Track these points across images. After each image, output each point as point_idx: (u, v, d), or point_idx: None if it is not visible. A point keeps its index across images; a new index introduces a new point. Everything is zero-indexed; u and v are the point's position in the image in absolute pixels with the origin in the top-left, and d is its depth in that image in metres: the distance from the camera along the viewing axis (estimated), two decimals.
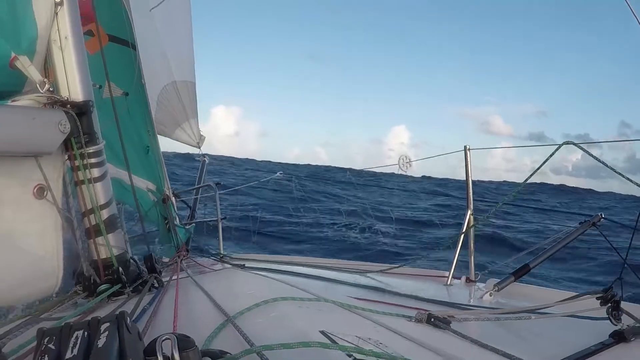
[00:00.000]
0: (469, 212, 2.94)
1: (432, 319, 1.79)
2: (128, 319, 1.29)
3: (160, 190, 4.05)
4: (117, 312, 1.25)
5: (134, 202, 3.53)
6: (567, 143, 2.98)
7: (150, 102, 4.38)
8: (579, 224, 2.73)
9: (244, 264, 3.21)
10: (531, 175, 2.99)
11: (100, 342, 1.13)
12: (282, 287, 2.17)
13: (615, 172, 2.88)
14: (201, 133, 5.07)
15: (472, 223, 2.92)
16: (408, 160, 3.21)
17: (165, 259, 3.99)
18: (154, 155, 4.04)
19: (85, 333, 1.20)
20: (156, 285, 2.34)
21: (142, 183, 3.94)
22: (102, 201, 2.33)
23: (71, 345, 1.14)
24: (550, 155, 3.20)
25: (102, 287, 2.21)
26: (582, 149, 2.96)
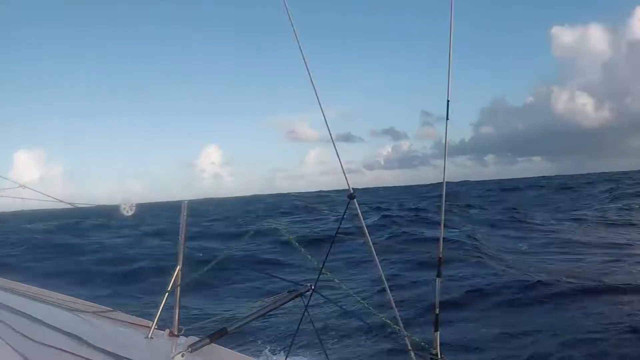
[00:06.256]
0: (178, 267, 2.76)
1: None
2: None
3: None
4: None
5: None
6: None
7: None
8: (287, 292, 2.68)
9: None
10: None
11: None
12: None
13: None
14: None
15: (179, 281, 2.74)
16: (132, 204, 3.15)
17: None
18: None
19: None
20: None
21: None
22: None
23: None
24: None
25: None
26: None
